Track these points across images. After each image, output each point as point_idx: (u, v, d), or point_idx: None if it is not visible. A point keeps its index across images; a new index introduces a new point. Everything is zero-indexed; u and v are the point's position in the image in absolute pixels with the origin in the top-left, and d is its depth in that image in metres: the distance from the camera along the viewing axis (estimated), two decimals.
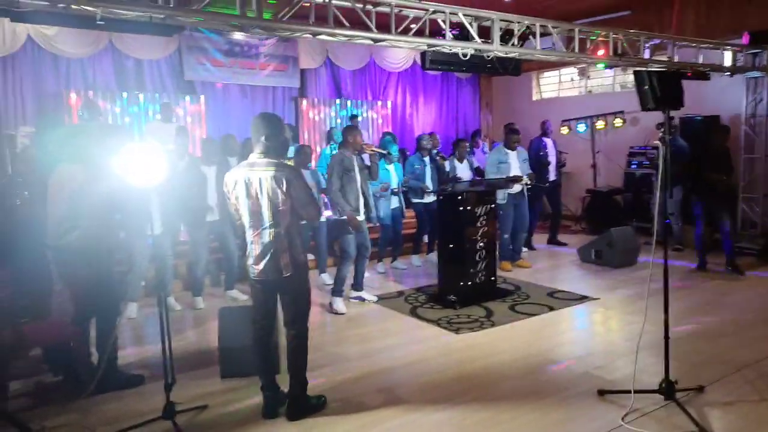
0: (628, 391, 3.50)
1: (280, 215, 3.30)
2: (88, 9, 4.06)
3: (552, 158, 8.32)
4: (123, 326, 4.81)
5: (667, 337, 3.52)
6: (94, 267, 3.70)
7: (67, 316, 4.32)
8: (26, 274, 4.13)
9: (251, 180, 3.29)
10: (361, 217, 5.56)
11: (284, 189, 3.26)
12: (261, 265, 3.35)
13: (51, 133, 4.71)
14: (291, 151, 7.46)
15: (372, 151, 5.65)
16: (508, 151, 7.00)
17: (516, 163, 7.01)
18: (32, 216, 4.11)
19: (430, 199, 7.24)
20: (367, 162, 5.80)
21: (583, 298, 5.89)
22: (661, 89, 3.63)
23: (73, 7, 4.02)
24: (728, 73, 7.90)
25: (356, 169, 5.45)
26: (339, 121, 10.38)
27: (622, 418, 3.34)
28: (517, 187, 7.00)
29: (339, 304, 5.62)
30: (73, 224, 3.62)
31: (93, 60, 8.33)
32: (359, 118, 9.98)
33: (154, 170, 3.19)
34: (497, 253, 7.13)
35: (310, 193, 3.41)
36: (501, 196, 6.87)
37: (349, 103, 10.63)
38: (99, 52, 8.26)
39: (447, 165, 7.50)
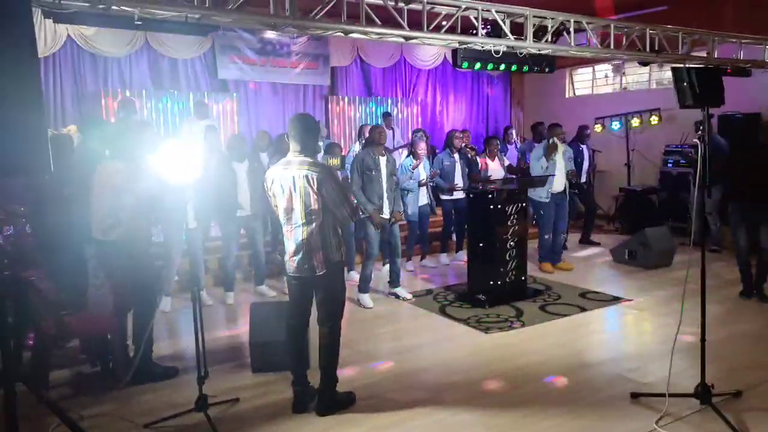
0: (663, 395, 3.43)
1: (312, 214, 3.33)
2: (127, 9, 4.17)
3: (585, 163, 8.19)
4: (157, 319, 4.91)
5: (703, 340, 3.43)
6: (135, 261, 3.81)
7: (103, 309, 4.46)
8: (66, 268, 4.27)
9: (286, 178, 3.34)
10: (386, 215, 5.59)
11: (315, 188, 3.28)
12: (294, 262, 3.41)
13: (93, 131, 4.85)
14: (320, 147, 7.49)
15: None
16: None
17: (561, 161, 6.80)
18: (73, 212, 4.24)
19: (458, 196, 7.19)
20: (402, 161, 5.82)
21: (615, 300, 5.78)
22: (700, 86, 3.53)
23: (112, 8, 4.14)
24: None
25: (381, 168, 5.49)
26: (372, 119, 10.42)
27: (656, 422, 3.27)
28: (559, 186, 6.82)
29: (365, 299, 5.69)
30: (116, 220, 3.74)
31: (130, 60, 8.54)
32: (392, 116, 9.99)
33: (189, 167, 3.25)
34: (540, 252, 7.07)
35: (343, 194, 3.41)
36: (544, 194, 6.73)
37: (379, 100, 10.65)
38: (135, 52, 8.46)
39: (479, 161, 7.43)
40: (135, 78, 8.63)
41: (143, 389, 3.83)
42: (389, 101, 10.77)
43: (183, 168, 3.24)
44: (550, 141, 6.70)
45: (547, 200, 6.79)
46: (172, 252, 5.36)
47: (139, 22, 4.31)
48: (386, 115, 9.83)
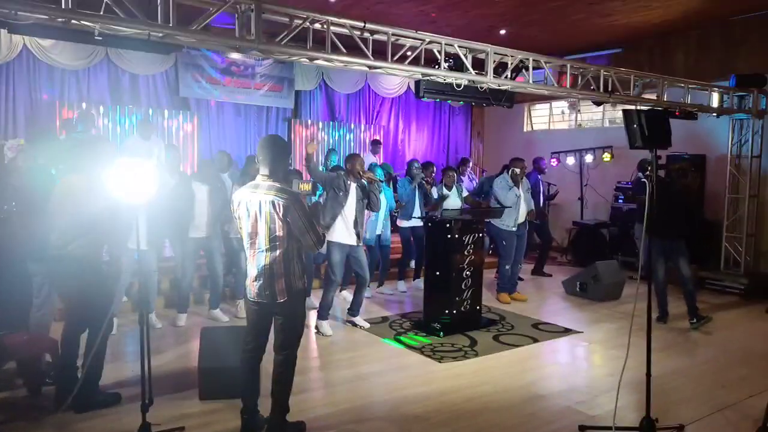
0: (609, 428, 3.50)
1: (276, 240, 3.28)
2: (87, 24, 4.09)
3: (541, 195, 8.40)
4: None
5: (648, 375, 3.53)
6: (90, 277, 3.68)
7: (43, 329, 4.27)
8: (6, 286, 4.08)
9: (252, 202, 3.30)
10: (352, 242, 5.59)
11: (281, 215, 3.24)
12: (255, 287, 3.35)
13: (43, 146, 4.70)
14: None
15: (369, 178, 5.65)
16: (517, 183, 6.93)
17: (523, 193, 6.98)
18: (18, 227, 4.08)
19: (416, 223, 7.26)
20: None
21: (567, 331, 5.89)
22: (649, 128, 3.69)
23: (72, 21, 4.05)
24: (715, 114, 8.08)
25: (351, 193, 5.51)
26: (336, 144, 10.47)
27: None
28: (521, 218, 6.97)
29: (325, 327, 5.63)
30: (74, 234, 3.63)
31: (88, 72, 8.35)
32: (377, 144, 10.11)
33: (144, 186, 3.18)
34: (498, 282, 7.16)
35: (309, 222, 3.33)
36: (511, 223, 6.84)
37: (342, 125, 10.72)
38: (94, 65, 8.28)
39: (435, 191, 7.54)
40: (93, 91, 8.43)
41: (82, 416, 3.65)
42: (353, 127, 10.85)
43: (136, 187, 3.17)
44: (515, 171, 6.89)
45: (514, 229, 6.91)
46: (120, 272, 5.20)
47: (99, 38, 4.22)
48: (375, 143, 9.92)
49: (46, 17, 3.97)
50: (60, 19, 4.01)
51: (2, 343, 3.59)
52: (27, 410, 3.73)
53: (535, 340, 5.57)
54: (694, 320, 6.06)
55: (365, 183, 5.59)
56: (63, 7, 3.98)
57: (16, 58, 7.68)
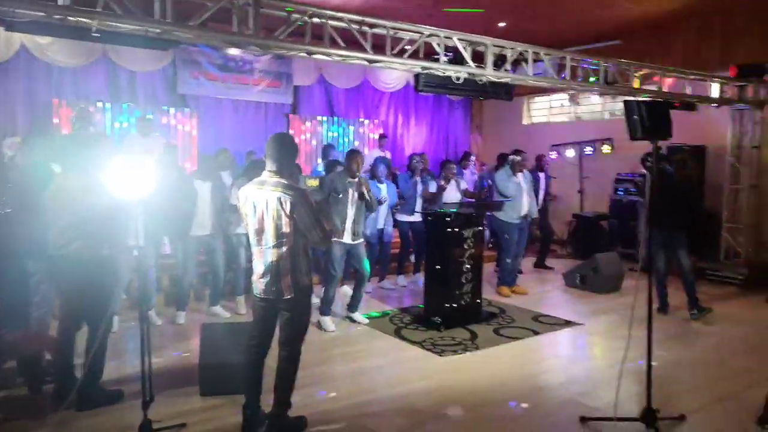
0: (610, 419, 3.50)
1: (283, 237, 3.27)
2: (84, 21, 4.08)
3: (542, 191, 8.39)
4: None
5: (649, 365, 3.53)
6: (91, 276, 3.68)
7: (43, 327, 4.27)
8: (7, 285, 4.08)
9: (258, 198, 3.29)
10: (348, 240, 5.58)
11: (288, 211, 3.23)
12: (262, 284, 3.35)
13: (40, 142, 4.68)
14: None
15: (360, 191, 5.56)
16: (517, 173, 6.94)
17: (525, 186, 6.98)
18: (16, 225, 4.06)
19: (415, 218, 7.26)
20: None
21: (567, 323, 5.90)
22: (649, 119, 3.68)
23: (69, 18, 4.04)
24: (715, 105, 8.05)
25: (350, 193, 5.49)
26: (334, 139, 10.46)
27: None
28: (524, 211, 6.98)
29: (327, 322, 5.62)
30: (74, 234, 3.63)
31: (86, 70, 8.32)
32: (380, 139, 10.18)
33: (140, 183, 3.18)
34: (500, 276, 7.16)
35: (316, 218, 3.32)
36: (515, 216, 6.84)
37: (340, 121, 10.69)
38: (92, 63, 8.24)
39: (434, 185, 7.53)
40: (91, 89, 8.42)
41: (84, 413, 3.66)
42: (351, 122, 10.83)
43: (133, 184, 3.17)
44: (514, 159, 6.92)
45: (518, 221, 6.90)
46: (120, 269, 5.20)
47: (97, 35, 4.21)
48: (382, 137, 9.92)
49: (44, 14, 3.96)
50: (57, 16, 4.00)
51: (4, 340, 3.58)
52: (28, 409, 3.74)
53: (536, 333, 5.58)
54: (695, 311, 6.07)
55: (362, 191, 5.52)
56: (60, 3, 3.97)
57: (13, 58, 7.65)
